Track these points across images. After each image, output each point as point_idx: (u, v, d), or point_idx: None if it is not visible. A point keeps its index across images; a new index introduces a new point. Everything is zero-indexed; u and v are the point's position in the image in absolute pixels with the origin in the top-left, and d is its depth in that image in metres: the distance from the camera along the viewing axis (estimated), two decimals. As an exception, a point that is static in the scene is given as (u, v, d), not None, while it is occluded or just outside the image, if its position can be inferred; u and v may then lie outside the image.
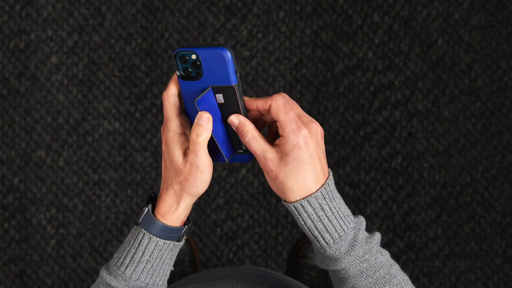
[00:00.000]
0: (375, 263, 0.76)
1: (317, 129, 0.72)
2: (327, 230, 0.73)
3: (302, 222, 0.74)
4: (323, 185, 0.73)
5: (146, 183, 1.74)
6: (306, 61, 1.77)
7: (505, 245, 1.78)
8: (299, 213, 0.73)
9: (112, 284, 0.77)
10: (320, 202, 0.73)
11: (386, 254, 0.78)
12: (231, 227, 1.75)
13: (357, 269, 0.75)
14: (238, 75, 0.71)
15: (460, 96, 1.78)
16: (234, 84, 0.71)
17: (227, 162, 0.78)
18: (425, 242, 1.77)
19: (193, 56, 0.70)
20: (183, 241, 0.80)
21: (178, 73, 0.72)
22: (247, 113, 0.75)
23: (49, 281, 1.74)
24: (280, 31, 1.77)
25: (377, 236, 0.77)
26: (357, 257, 0.74)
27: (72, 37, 1.75)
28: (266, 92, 1.75)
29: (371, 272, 0.75)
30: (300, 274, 1.70)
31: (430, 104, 1.78)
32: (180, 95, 0.75)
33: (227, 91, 0.71)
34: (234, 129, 0.73)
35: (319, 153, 0.73)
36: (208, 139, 0.72)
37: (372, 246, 0.75)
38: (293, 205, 0.73)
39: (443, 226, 1.77)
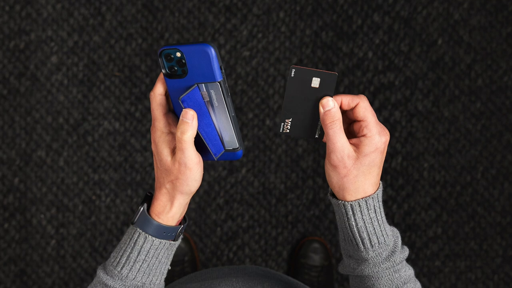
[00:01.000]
0: (405, 275, 0.78)
1: (388, 138, 0.74)
2: (375, 232, 0.75)
3: (354, 223, 0.74)
4: (377, 189, 0.75)
5: (146, 183, 1.74)
6: (306, 61, 1.76)
7: (505, 245, 1.77)
8: (354, 212, 0.74)
9: (109, 284, 0.77)
10: (375, 204, 0.74)
11: (411, 270, 0.80)
12: (231, 227, 1.75)
13: (389, 278, 0.77)
14: (223, 71, 0.71)
15: (460, 96, 1.78)
16: (219, 80, 0.70)
17: (216, 160, 0.77)
18: (425, 242, 1.77)
19: (178, 54, 0.70)
20: (180, 240, 0.80)
21: (163, 71, 0.72)
22: (234, 110, 0.75)
23: (49, 281, 1.74)
24: (280, 31, 1.77)
25: (407, 250, 0.79)
26: (394, 264, 0.76)
27: (72, 37, 1.75)
28: (266, 92, 1.75)
29: (400, 283, 0.77)
30: (300, 274, 1.70)
31: (430, 104, 1.77)
32: (167, 94, 0.75)
33: (213, 87, 0.71)
34: (323, 111, 0.72)
35: (383, 160, 0.75)
36: (194, 136, 0.72)
37: (406, 256, 0.78)
38: (350, 204, 0.73)
39: (443, 226, 1.77)
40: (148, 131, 1.75)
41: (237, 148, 0.76)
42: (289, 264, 1.76)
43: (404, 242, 1.76)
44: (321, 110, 0.72)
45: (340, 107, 0.73)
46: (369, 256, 0.75)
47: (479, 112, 1.78)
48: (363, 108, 0.71)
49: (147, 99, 1.75)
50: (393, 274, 0.76)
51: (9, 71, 1.74)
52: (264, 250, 1.76)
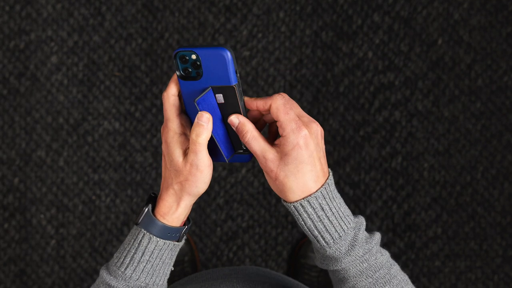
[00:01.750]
0: (375, 263, 0.76)
1: (317, 129, 0.72)
2: (327, 230, 0.74)
3: (302, 222, 0.74)
4: (323, 185, 0.73)
5: (146, 183, 1.74)
6: (306, 61, 1.76)
7: (505, 245, 1.78)
8: (299, 213, 0.73)
9: (112, 284, 0.77)
10: (320, 202, 0.73)
11: (386, 254, 0.78)
12: (231, 227, 1.75)
13: (357, 269, 0.75)
14: (238, 75, 0.71)
15: (460, 96, 1.78)
16: (234, 84, 0.71)
17: (227, 162, 0.78)
18: (425, 242, 1.77)
19: (193, 56, 0.70)
20: (183, 241, 0.80)
21: (178, 73, 0.72)
22: (247, 113, 0.75)
23: (49, 281, 1.74)
24: (280, 31, 1.77)
25: (377, 236, 0.77)
26: (357, 257, 0.75)
27: (72, 37, 1.75)
28: (266, 92, 1.75)
29: (371, 272, 0.75)
30: (300, 274, 1.70)
31: (430, 104, 1.78)
32: (180, 95, 0.75)
33: (227, 91, 0.71)
34: (234, 129, 0.73)
35: (319, 153, 0.73)
36: (208, 139, 0.72)
37: (372, 246, 0.76)
38: (293, 205, 0.73)
39: (443, 226, 1.77)
40: (148, 131, 1.75)
41: (248, 150, 0.77)
42: (289, 264, 1.76)
43: (404, 242, 1.76)
44: (233, 128, 0.74)
45: (259, 112, 0.75)
46: (328, 253, 0.75)
47: (479, 112, 1.78)
48: (275, 108, 0.71)
49: (147, 99, 1.75)
50: (360, 264, 0.75)
51: (9, 71, 1.74)
52: (264, 250, 1.76)
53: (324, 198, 0.73)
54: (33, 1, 1.75)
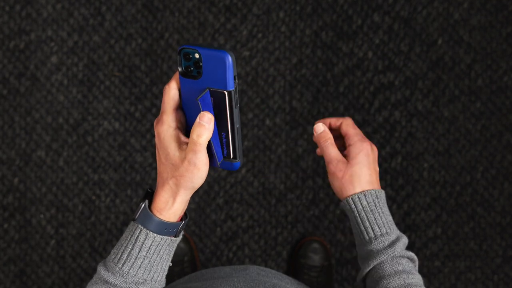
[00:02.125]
0: (409, 269, 0.84)
1: (376, 149, 0.90)
2: (376, 223, 0.86)
3: (357, 214, 0.86)
4: (374, 189, 0.87)
5: (146, 183, 1.74)
6: (306, 61, 1.77)
7: (505, 245, 1.77)
8: (355, 205, 0.86)
9: (110, 281, 0.77)
10: (373, 199, 0.86)
11: (420, 278, 0.86)
12: (231, 227, 1.75)
13: (393, 268, 0.84)
14: (237, 81, 0.71)
15: (460, 96, 1.78)
16: (231, 89, 0.70)
17: (219, 166, 0.77)
18: (425, 242, 1.77)
19: (196, 55, 0.70)
20: (181, 236, 0.80)
21: (180, 69, 0.72)
22: (240, 122, 0.74)
23: (49, 281, 1.74)
24: (280, 31, 1.77)
25: (416, 258, 0.88)
26: (396, 254, 0.85)
27: (72, 37, 1.75)
28: (266, 92, 1.75)
29: (404, 275, 0.83)
30: (300, 274, 1.70)
31: (430, 104, 1.78)
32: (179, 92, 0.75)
33: (223, 95, 0.71)
34: (316, 134, 0.91)
35: (375, 166, 0.89)
36: (209, 139, 0.72)
37: (411, 256, 0.87)
38: (351, 197, 0.86)
39: (443, 226, 1.77)
40: (148, 131, 1.75)
41: (236, 159, 0.76)
42: (288, 264, 1.76)
43: (404, 242, 1.76)
44: (315, 133, 0.91)
45: (329, 127, 0.92)
46: (372, 245, 0.85)
47: (479, 112, 1.78)
48: (346, 125, 0.90)
49: (147, 99, 1.75)
50: (396, 265, 0.84)
51: (9, 71, 1.74)
52: (264, 250, 1.76)
53: (377, 197, 0.87)
54: (33, 1, 1.75)
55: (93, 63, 1.75)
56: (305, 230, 1.75)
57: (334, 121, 0.91)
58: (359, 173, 0.87)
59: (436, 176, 1.77)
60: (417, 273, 0.86)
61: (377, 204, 0.87)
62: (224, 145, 0.75)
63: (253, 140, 1.75)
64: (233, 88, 0.70)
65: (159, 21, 1.76)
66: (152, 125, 1.75)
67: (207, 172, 0.74)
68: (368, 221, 0.86)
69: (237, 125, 0.74)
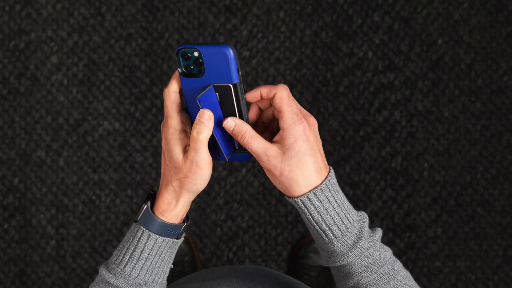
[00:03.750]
0: (379, 258, 0.76)
1: (314, 123, 0.73)
2: (334, 222, 0.74)
3: (310, 217, 0.74)
4: (326, 177, 0.74)
5: (146, 183, 1.74)
6: (306, 61, 1.77)
7: (505, 245, 1.78)
8: (306, 207, 0.73)
9: (111, 282, 0.77)
10: (326, 194, 0.73)
11: (388, 250, 0.78)
12: (231, 227, 1.75)
13: (362, 263, 0.75)
14: (240, 73, 0.71)
15: (460, 96, 1.78)
16: (236, 82, 0.71)
17: (227, 160, 0.77)
18: (425, 242, 1.77)
19: (195, 54, 0.70)
20: (183, 238, 0.80)
21: (179, 70, 0.72)
22: (248, 111, 0.75)
23: (49, 281, 1.74)
24: (280, 31, 1.77)
25: (379, 231, 0.77)
26: (363, 251, 0.75)
27: (72, 37, 1.75)
28: (266, 92, 1.75)
29: (375, 268, 0.75)
30: (300, 274, 1.70)
31: (430, 104, 1.78)
32: (181, 92, 0.75)
33: (229, 89, 0.71)
34: (230, 133, 0.73)
35: (319, 146, 0.73)
36: (209, 137, 0.72)
37: (376, 239, 0.76)
38: (300, 199, 0.73)
39: (443, 226, 1.77)
40: (148, 131, 1.75)
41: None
42: (289, 265, 1.76)
43: (404, 242, 1.76)
44: (229, 131, 0.74)
45: (259, 110, 0.76)
46: (335, 246, 0.74)
47: (479, 112, 1.78)
48: (279, 98, 0.72)
49: (147, 99, 1.75)
50: (366, 259, 0.75)
51: (9, 71, 1.74)
52: (264, 250, 1.76)
53: (329, 190, 0.73)
54: (33, 1, 1.75)
55: (93, 63, 1.75)
56: (305, 230, 1.75)
57: (266, 92, 0.73)
58: (301, 167, 0.71)
59: (436, 176, 1.77)
60: (383, 248, 0.77)
61: (331, 199, 0.73)
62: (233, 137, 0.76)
63: (253, 140, 1.75)
64: (238, 80, 0.71)
65: (159, 21, 1.76)
66: (152, 125, 1.75)
67: (210, 173, 0.74)
68: (325, 222, 0.73)
69: (246, 116, 0.74)
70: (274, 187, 1.75)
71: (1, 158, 1.74)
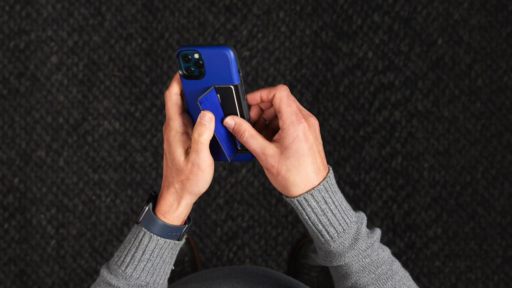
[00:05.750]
0: (377, 258, 0.76)
1: (315, 123, 0.73)
2: (331, 223, 0.73)
3: (306, 217, 0.73)
4: (324, 178, 0.73)
5: (146, 183, 1.74)
6: (306, 61, 1.77)
7: (505, 245, 1.78)
8: (302, 208, 0.73)
9: (113, 283, 0.77)
10: (323, 195, 0.73)
11: (387, 250, 0.78)
12: (231, 227, 1.75)
13: (359, 264, 0.75)
14: (241, 74, 0.71)
15: (460, 96, 1.78)
16: (237, 83, 0.71)
17: (230, 161, 0.77)
18: (425, 242, 1.77)
19: (196, 55, 0.70)
20: (184, 240, 0.80)
21: (180, 72, 0.72)
22: (249, 112, 0.75)
23: (49, 281, 1.74)
24: (280, 31, 1.77)
25: (378, 231, 0.77)
26: (360, 251, 0.74)
27: (72, 37, 1.75)
28: (266, 92, 1.75)
29: (373, 268, 0.75)
30: (300, 274, 1.70)
31: (430, 104, 1.78)
32: (182, 94, 0.75)
33: (230, 90, 0.71)
34: (231, 131, 0.74)
35: (318, 146, 0.73)
36: (210, 138, 0.72)
37: (373, 240, 0.75)
38: (297, 200, 0.73)
39: (443, 226, 1.77)
40: (148, 131, 1.74)
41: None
42: (289, 264, 1.76)
43: (404, 242, 1.76)
44: (230, 130, 0.74)
45: (259, 110, 0.76)
46: (332, 247, 0.74)
47: (479, 112, 1.78)
48: (278, 99, 0.72)
49: (147, 99, 1.75)
50: (363, 260, 0.75)
51: (9, 71, 1.74)
52: (264, 250, 1.76)
53: (327, 191, 0.73)
54: (33, 1, 1.75)
55: (93, 63, 1.75)
56: (306, 230, 1.75)
57: (266, 94, 0.74)
58: (298, 167, 0.71)
59: (436, 176, 1.77)
60: (382, 248, 0.77)
61: (328, 200, 0.73)
62: (237, 138, 0.76)
63: (253, 140, 1.75)
64: (239, 82, 0.71)
65: (159, 21, 1.76)
66: (152, 125, 1.75)
67: (211, 175, 0.74)
68: (321, 223, 0.73)
69: (247, 116, 0.74)
70: (274, 187, 1.75)
71: (1, 158, 1.74)
